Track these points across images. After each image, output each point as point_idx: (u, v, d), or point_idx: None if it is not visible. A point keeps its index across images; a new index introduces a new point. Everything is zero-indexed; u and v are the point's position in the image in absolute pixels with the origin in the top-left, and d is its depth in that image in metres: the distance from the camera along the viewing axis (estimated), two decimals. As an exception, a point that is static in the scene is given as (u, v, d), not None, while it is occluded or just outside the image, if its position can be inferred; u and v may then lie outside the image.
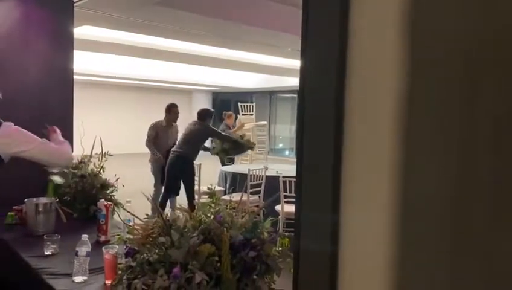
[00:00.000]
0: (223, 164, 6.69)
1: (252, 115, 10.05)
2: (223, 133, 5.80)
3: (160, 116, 5.75)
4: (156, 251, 1.50)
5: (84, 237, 1.85)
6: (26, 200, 2.50)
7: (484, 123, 0.55)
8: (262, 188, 5.22)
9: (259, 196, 5.20)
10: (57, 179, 2.75)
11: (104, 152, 2.93)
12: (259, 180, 5.23)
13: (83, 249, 1.80)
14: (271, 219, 1.71)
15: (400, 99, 0.60)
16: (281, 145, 15.77)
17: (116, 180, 2.87)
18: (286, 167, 6.25)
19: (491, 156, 0.55)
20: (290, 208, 4.54)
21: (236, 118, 7.73)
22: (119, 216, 2.33)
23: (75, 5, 3.44)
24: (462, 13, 0.56)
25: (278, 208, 4.73)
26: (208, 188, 2.20)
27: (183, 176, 5.16)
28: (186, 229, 1.53)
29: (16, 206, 2.60)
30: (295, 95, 13.70)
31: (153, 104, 13.03)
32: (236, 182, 5.72)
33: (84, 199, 2.70)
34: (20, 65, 3.07)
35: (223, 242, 1.47)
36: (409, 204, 0.60)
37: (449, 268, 0.59)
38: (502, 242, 0.55)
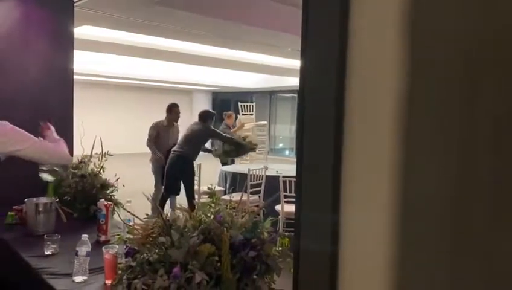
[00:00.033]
0: (223, 164, 6.69)
1: (252, 114, 10.05)
2: (224, 134, 5.80)
3: (160, 116, 5.75)
4: (156, 250, 1.50)
5: (84, 236, 1.85)
6: (26, 200, 2.50)
7: (484, 123, 0.55)
8: (262, 188, 5.22)
9: (259, 196, 5.20)
10: (47, 176, 2.73)
11: (104, 152, 2.93)
12: (259, 180, 5.23)
13: (83, 249, 1.80)
14: (271, 219, 1.71)
15: (399, 99, 0.60)
16: (281, 145, 15.78)
17: (116, 180, 2.87)
18: (286, 167, 6.25)
19: (491, 156, 0.55)
20: (290, 208, 4.54)
21: (236, 117, 7.73)
22: (119, 216, 2.34)
23: (75, 5, 3.44)
24: (462, 13, 0.56)
25: (278, 207, 4.73)
26: (208, 188, 2.21)
27: (183, 176, 5.16)
28: (186, 229, 1.53)
29: (16, 206, 2.60)
30: (295, 95, 13.71)
31: (153, 104, 13.04)
32: (236, 182, 5.72)
33: (84, 199, 2.71)
34: (20, 65, 3.07)
35: (223, 242, 1.47)
36: (409, 204, 0.60)
37: (449, 268, 0.59)
38: (502, 242, 0.55)
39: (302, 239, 0.77)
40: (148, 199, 1.90)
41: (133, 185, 3.38)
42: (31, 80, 3.09)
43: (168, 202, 5.25)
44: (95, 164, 2.93)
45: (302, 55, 0.75)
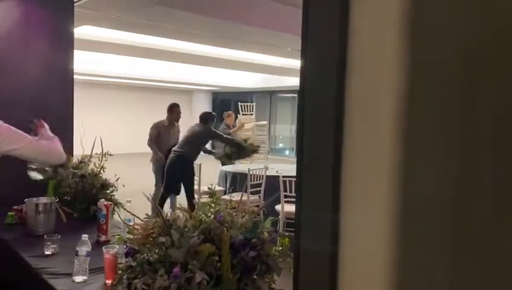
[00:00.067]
0: (223, 164, 6.69)
1: (252, 114, 10.04)
2: (225, 136, 5.80)
3: (160, 116, 5.75)
4: (156, 250, 1.50)
5: (84, 236, 1.85)
6: (26, 200, 2.50)
7: (484, 123, 0.55)
8: (262, 188, 5.22)
9: (260, 196, 5.20)
10: (35, 175, 2.71)
11: (104, 152, 2.93)
12: (260, 180, 5.24)
13: (83, 249, 1.80)
14: (271, 219, 1.71)
15: (400, 99, 0.60)
16: (281, 145, 15.78)
17: (117, 180, 2.87)
18: (286, 167, 6.25)
19: (491, 156, 0.55)
20: (290, 208, 4.54)
21: (236, 117, 7.73)
22: (119, 216, 2.33)
23: (75, 4, 3.44)
24: (462, 13, 0.56)
25: (278, 207, 4.73)
26: (208, 188, 2.21)
27: (183, 176, 5.17)
28: (186, 229, 1.53)
29: (16, 206, 2.60)
30: (295, 95, 13.71)
31: (153, 104, 13.05)
32: (237, 181, 5.72)
33: (85, 199, 2.70)
34: (20, 65, 3.07)
35: (223, 242, 1.47)
36: (409, 204, 0.60)
37: (449, 268, 0.59)
38: (502, 242, 0.55)
39: (302, 239, 0.77)
40: (148, 198, 1.90)
41: (133, 185, 3.38)
42: (31, 80, 3.09)
43: (168, 201, 5.25)
44: (95, 164, 2.93)
45: (302, 55, 0.75)
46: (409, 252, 0.61)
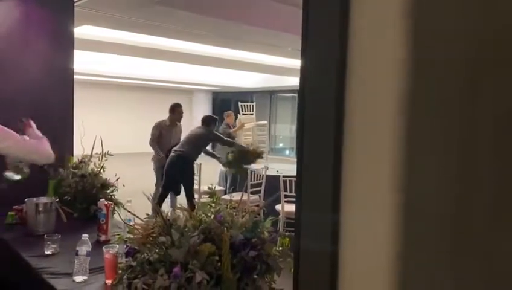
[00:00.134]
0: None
1: (252, 114, 10.02)
2: (225, 138, 5.80)
3: (160, 115, 5.76)
4: (157, 250, 1.50)
5: (85, 236, 1.85)
6: (26, 199, 2.50)
7: (484, 123, 0.55)
8: (262, 188, 5.22)
9: (260, 196, 5.20)
10: (11, 175, 2.66)
11: (104, 152, 2.93)
12: (260, 179, 5.24)
13: (83, 249, 1.80)
14: (271, 219, 1.71)
15: (400, 99, 0.60)
16: (281, 145, 15.77)
17: (117, 179, 2.87)
18: (286, 167, 6.25)
19: (491, 156, 0.55)
20: (290, 208, 4.54)
21: (236, 117, 7.72)
22: (119, 216, 2.33)
23: (75, 4, 3.44)
24: (462, 13, 0.56)
25: (278, 207, 4.74)
26: (209, 188, 2.20)
27: (183, 177, 5.18)
28: (186, 229, 1.53)
29: (16, 206, 2.60)
30: (295, 95, 13.70)
31: (154, 103, 13.05)
32: (237, 181, 5.72)
33: (85, 199, 2.71)
34: (20, 65, 3.07)
35: (223, 242, 1.47)
36: (408, 204, 0.60)
37: (449, 268, 0.59)
38: (502, 242, 0.55)
39: (302, 239, 0.77)
40: (148, 198, 1.90)
41: (133, 185, 3.38)
42: (31, 80, 3.09)
43: (167, 201, 5.25)
44: (95, 164, 2.93)
45: (302, 55, 0.75)
46: (409, 252, 0.61)
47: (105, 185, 2.82)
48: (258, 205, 3.46)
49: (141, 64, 10.50)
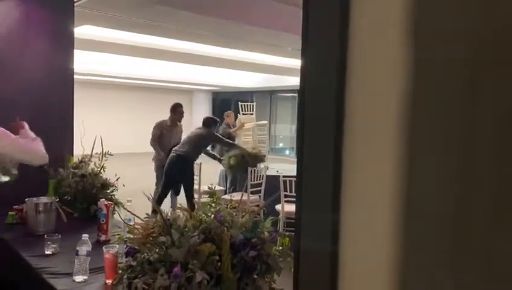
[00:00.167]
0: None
1: (252, 114, 10.02)
2: (226, 140, 5.80)
3: (160, 115, 5.76)
4: (157, 250, 1.51)
5: (85, 236, 1.85)
6: (26, 199, 2.50)
7: (484, 123, 0.55)
8: (262, 188, 5.22)
9: (260, 196, 5.21)
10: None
11: (104, 151, 2.94)
12: (260, 179, 5.24)
13: (84, 249, 1.80)
14: (271, 219, 1.71)
15: (400, 100, 0.60)
16: (281, 145, 15.78)
17: (117, 179, 2.87)
18: (286, 167, 6.26)
19: (491, 156, 0.55)
20: (291, 208, 4.54)
21: (236, 117, 7.72)
22: (119, 216, 2.33)
23: (75, 4, 3.44)
24: (462, 13, 0.56)
25: (278, 207, 4.74)
26: (209, 188, 2.21)
27: (183, 177, 5.18)
28: (186, 229, 1.53)
29: (17, 206, 2.60)
30: (296, 95, 13.70)
31: (154, 103, 13.05)
32: (237, 181, 5.73)
33: (85, 199, 2.71)
34: (20, 65, 3.07)
35: (223, 241, 1.47)
36: (409, 204, 0.60)
37: (449, 268, 0.59)
38: (502, 242, 0.55)
39: (302, 239, 0.77)
40: (148, 198, 1.90)
41: (133, 185, 3.38)
42: (31, 80, 3.09)
43: (167, 201, 5.25)
44: (95, 164, 2.93)
45: (303, 55, 0.75)
46: (409, 252, 0.61)
47: (106, 185, 2.82)
48: (258, 205, 3.47)
49: (141, 64, 10.49)
